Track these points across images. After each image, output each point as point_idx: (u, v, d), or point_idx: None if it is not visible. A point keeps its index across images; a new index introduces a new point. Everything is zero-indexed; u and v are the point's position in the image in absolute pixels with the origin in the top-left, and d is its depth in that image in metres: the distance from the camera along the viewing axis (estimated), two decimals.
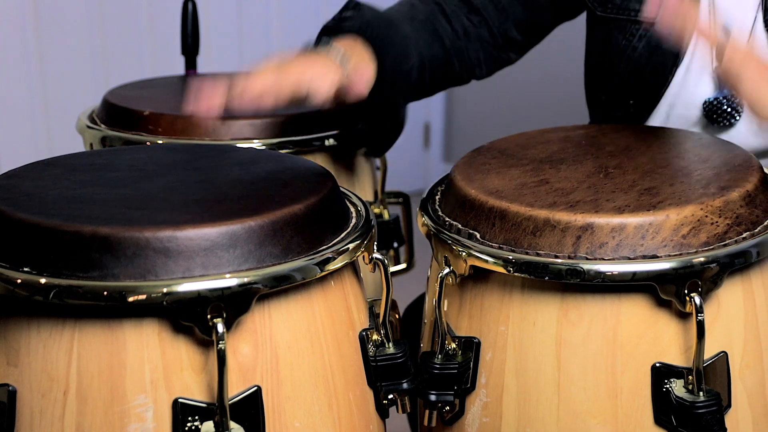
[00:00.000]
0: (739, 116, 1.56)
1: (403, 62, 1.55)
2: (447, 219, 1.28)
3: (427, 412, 1.28)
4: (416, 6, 1.66)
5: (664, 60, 1.59)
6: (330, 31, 1.54)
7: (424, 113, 4.28)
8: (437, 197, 1.36)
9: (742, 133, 1.58)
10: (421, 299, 1.83)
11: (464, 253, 1.22)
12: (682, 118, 1.62)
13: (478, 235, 1.23)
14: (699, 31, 1.30)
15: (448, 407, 1.26)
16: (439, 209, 1.32)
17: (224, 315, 1.06)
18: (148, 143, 1.60)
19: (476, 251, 1.21)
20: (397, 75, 1.54)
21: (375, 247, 1.24)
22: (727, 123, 1.57)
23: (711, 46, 1.32)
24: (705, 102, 1.58)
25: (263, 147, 1.59)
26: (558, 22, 1.76)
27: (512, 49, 1.74)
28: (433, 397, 1.26)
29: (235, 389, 1.09)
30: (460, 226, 1.26)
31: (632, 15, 1.62)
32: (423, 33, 1.63)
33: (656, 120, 1.64)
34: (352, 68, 1.42)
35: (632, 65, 1.63)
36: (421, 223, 1.31)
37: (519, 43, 1.73)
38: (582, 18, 1.76)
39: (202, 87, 1.36)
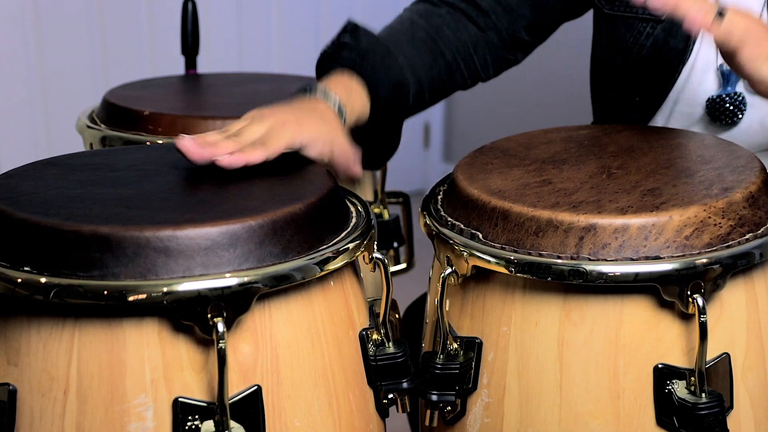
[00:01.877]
0: (742, 114, 1.56)
1: (399, 92, 1.54)
2: (449, 219, 1.28)
3: (428, 412, 1.28)
4: (416, 22, 1.64)
5: (670, 58, 1.59)
6: (328, 59, 1.52)
7: (424, 113, 4.27)
8: (439, 197, 1.35)
9: (745, 132, 1.58)
10: (421, 300, 1.83)
11: (466, 254, 1.21)
12: (685, 115, 1.62)
13: (480, 236, 1.23)
14: (691, 19, 1.30)
15: (449, 407, 1.26)
16: (441, 209, 1.32)
17: (224, 314, 1.06)
18: (147, 143, 1.60)
19: (478, 251, 1.21)
20: (393, 105, 1.53)
21: (375, 247, 1.24)
22: (730, 121, 1.57)
23: (706, 30, 1.32)
24: (708, 100, 1.58)
25: None
26: (563, 21, 1.76)
27: (519, 50, 1.73)
28: (434, 397, 1.25)
29: (236, 388, 1.09)
30: (462, 226, 1.25)
31: (639, 12, 1.62)
32: (423, 53, 1.61)
33: (659, 117, 1.64)
34: (337, 153, 1.36)
35: (639, 63, 1.63)
36: (423, 222, 1.31)
37: (526, 44, 1.73)
38: (584, 17, 1.76)
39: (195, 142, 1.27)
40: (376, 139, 1.55)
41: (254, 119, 1.33)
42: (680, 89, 1.60)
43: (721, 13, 1.29)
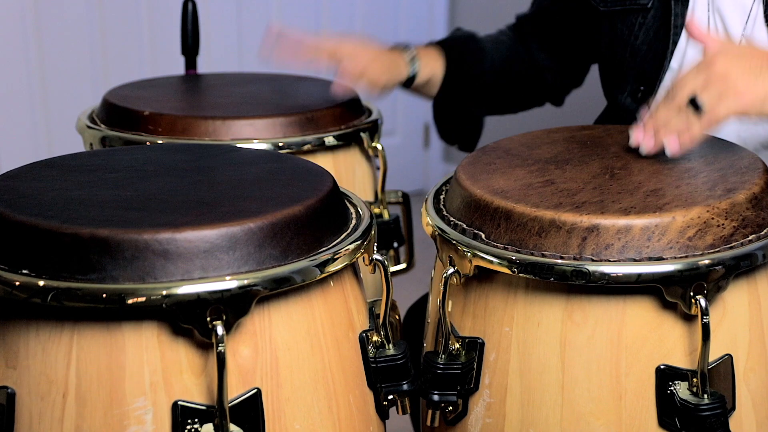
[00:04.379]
0: None
1: (474, 68, 1.85)
2: (452, 219, 1.28)
3: (430, 412, 1.28)
4: (504, 32, 1.96)
5: (661, 45, 1.63)
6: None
7: (424, 113, 4.27)
8: (442, 197, 1.35)
9: (741, 121, 1.58)
10: (422, 300, 1.83)
11: (469, 254, 1.21)
12: None
13: (483, 236, 1.23)
14: (672, 146, 1.31)
15: (451, 407, 1.26)
16: (444, 209, 1.31)
17: (224, 317, 1.05)
18: (147, 143, 1.60)
19: (481, 251, 1.20)
20: (466, 79, 1.85)
21: (375, 248, 1.23)
22: None
23: (696, 140, 1.31)
24: None
25: (263, 147, 1.58)
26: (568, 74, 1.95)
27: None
28: (436, 397, 1.25)
29: (235, 391, 1.09)
30: (465, 226, 1.25)
31: (627, 4, 1.67)
32: (502, 51, 1.91)
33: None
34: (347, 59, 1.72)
35: (635, 53, 1.65)
36: (425, 222, 1.30)
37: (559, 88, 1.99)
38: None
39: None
40: (457, 115, 1.89)
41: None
42: (675, 76, 1.60)
43: (696, 106, 1.27)
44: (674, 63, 1.62)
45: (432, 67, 1.83)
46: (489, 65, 1.88)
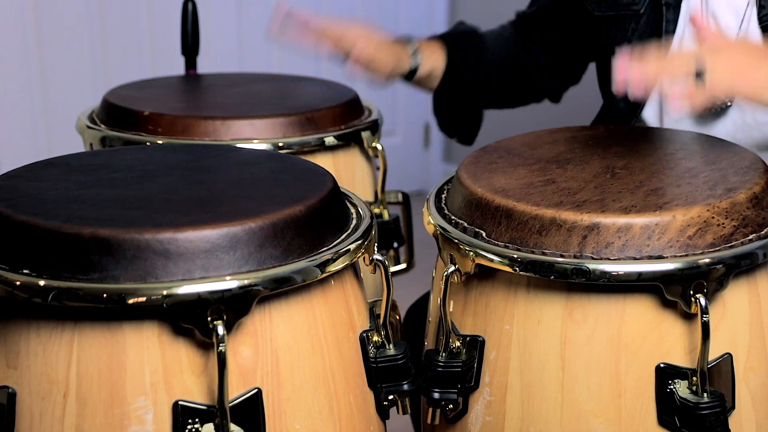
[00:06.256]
0: (731, 102, 1.56)
1: (475, 63, 1.86)
2: (453, 217, 1.28)
3: (430, 410, 1.28)
4: (506, 28, 1.96)
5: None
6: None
7: (424, 113, 4.27)
8: (443, 195, 1.36)
9: (740, 128, 1.58)
10: (422, 300, 1.83)
11: (470, 252, 1.21)
12: None
13: (484, 234, 1.23)
14: (674, 103, 1.29)
15: (451, 405, 1.26)
16: (445, 207, 1.32)
17: (224, 317, 1.05)
18: (148, 143, 1.60)
19: (482, 250, 1.20)
20: (467, 73, 1.85)
21: (375, 248, 1.23)
22: (718, 110, 1.57)
23: (693, 103, 1.30)
24: None
25: (263, 147, 1.58)
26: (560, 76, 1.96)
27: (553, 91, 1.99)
28: (436, 395, 1.25)
29: (236, 391, 1.09)
30: (466, 224, 1.25)
31: (621, 10, 1.67)
32: (502, 47, 1.91)
33: (651, 109, 1.65)
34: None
35: None
36: (427, 221, 1.30)
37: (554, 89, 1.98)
38: None
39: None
40: (456, 103, 1.89)
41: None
42: None
43: (699, 74, 1.27)
44: None
45: (433, 61, 1.84)
46: (489, 61, 1.88)
